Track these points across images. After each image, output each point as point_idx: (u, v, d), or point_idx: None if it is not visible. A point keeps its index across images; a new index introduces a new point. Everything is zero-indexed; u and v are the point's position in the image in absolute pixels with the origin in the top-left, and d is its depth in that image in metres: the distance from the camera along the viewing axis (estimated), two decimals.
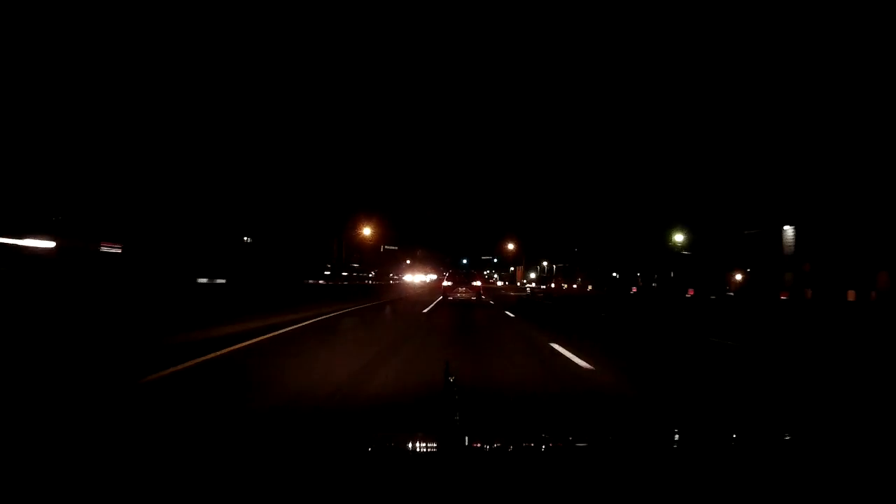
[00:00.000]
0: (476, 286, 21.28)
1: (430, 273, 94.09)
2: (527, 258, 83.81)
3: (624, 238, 50.01)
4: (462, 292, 20.47)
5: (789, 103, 34.83)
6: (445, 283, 21.61)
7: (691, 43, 53.87)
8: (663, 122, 51.00)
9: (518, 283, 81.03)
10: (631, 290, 39.29)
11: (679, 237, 42.72)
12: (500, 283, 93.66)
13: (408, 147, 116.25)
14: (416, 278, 67.69)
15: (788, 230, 37.13)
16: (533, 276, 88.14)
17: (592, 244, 67.13)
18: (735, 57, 44.01)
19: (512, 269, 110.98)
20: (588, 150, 66.95)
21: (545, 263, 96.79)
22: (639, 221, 47.81)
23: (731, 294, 37.14)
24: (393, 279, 62.94)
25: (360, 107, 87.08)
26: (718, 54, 47.99)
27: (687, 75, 51.53)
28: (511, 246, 79.03)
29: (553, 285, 57.98)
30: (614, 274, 71.91)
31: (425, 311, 14.59)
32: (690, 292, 33.26)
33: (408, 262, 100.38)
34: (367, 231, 52.88)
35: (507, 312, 14.72)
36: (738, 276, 42.50)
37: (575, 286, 60.61)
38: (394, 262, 71.41)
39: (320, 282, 34.09)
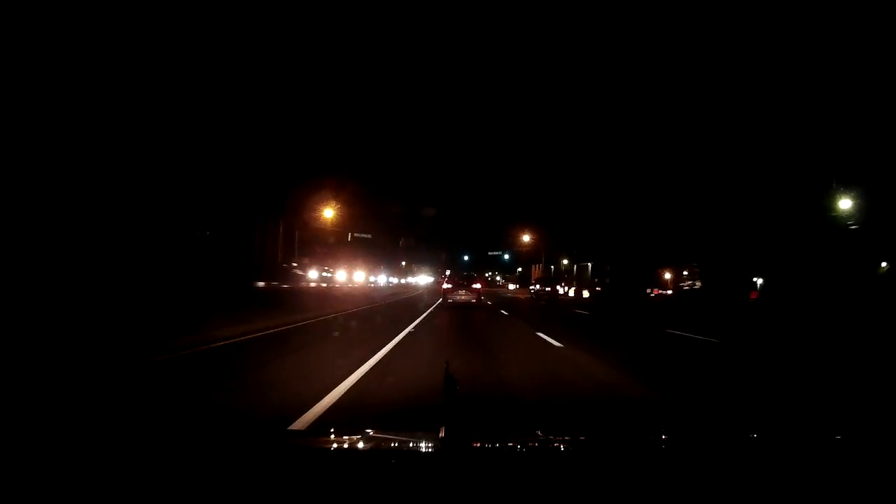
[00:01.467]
0: (476, 289, 22.87)
1: (421, 273, 75.55)
2: (547, 253, 65.47)
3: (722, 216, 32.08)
4: (462, 294, 21.90)
5: None
6: (445, 286, 23.24)
7: None
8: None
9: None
10: None
11: (845, 204, 24.96)
12: (511, 287, 75.62)
13: (394, 110, 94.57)
14: (359, 277, 41.40)
15: None
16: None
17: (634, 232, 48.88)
18: None
19: (520, 269, 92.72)
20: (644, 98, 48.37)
21: (565, 262, 79.05)
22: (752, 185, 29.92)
23: None
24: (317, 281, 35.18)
25: (340, 62, 68.96)
26: None
27: None
28: (527, 238, 61.03)
29: (564, 289, 39.80)
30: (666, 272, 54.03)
31: None
32: None
33: (403, 263, 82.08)
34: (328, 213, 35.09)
35: None
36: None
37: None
38: (371, 256, 53.37)
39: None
